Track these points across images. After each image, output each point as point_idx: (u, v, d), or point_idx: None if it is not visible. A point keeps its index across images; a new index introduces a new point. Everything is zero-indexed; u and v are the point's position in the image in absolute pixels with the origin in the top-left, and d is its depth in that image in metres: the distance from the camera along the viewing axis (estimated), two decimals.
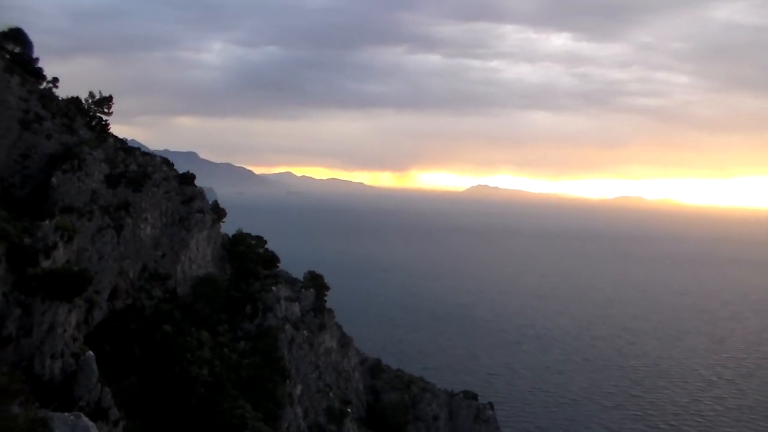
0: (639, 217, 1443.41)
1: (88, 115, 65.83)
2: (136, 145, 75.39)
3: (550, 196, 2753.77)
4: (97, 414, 39.10)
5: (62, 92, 63.07)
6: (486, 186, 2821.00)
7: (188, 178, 72.71)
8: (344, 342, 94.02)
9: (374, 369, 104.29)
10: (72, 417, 21.92)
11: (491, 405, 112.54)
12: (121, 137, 68.69)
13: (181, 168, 74.16)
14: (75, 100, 65.28)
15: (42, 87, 60.71)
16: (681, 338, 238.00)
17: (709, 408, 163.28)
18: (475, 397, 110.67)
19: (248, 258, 79.64)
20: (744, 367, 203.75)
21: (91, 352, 40.76)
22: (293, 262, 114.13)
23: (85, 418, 22.16)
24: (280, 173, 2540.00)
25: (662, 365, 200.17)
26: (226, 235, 79.44)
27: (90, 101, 66.61)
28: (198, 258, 71.74)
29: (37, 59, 61.49)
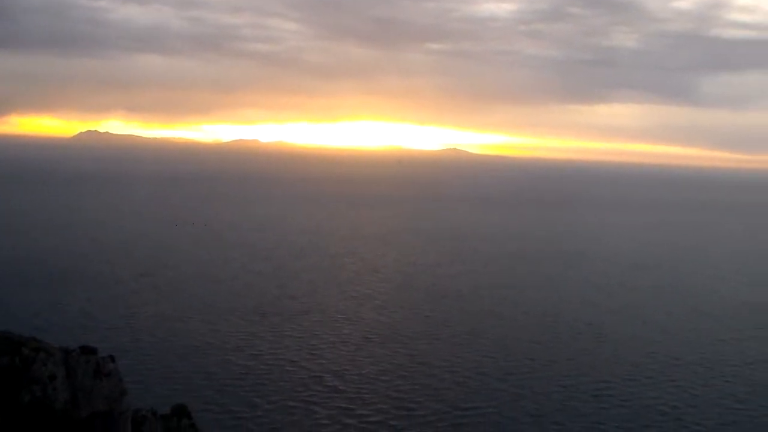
0: (255, 159, 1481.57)
1: None
2: None
3: (165, 141, 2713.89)
4: None
5: None
6: (96, 132, 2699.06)
7: None
8: None
9: None
10: None
11: (112, 358, 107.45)
12: None
13: None
14: None
15: None
16: (299, 275, 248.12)
17: (329, 340, 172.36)
18: (93, 351, 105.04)
19: None
20: (359, 297, 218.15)
21: None
22: None
23: None
24: None
25: (282, 303, 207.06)
26: None
27: None
28: None
29: None
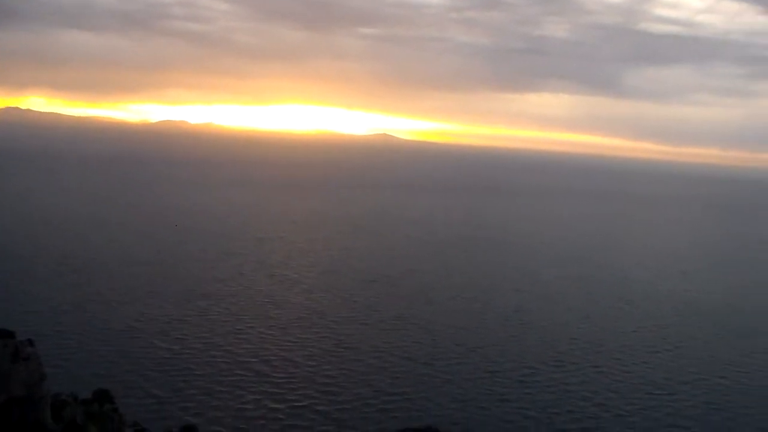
0: (183, 140, 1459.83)
1: None
2: None
3: (90, 119, 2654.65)
4: None
5: None
6: (17, 108, 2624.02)
7: None
8: None
9: None
10: None
11: (31, 342, 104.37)
12: None
13: None
14: None
15: None
16: (226, 259, 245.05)
17: (255, 324, 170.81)
18: (11, 335, 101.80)
19: None
20: (286, 281, 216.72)
21: None
22: None
23: None
24: None
25: (208, 287, 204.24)
26: None
27: None
28: None
29: None
